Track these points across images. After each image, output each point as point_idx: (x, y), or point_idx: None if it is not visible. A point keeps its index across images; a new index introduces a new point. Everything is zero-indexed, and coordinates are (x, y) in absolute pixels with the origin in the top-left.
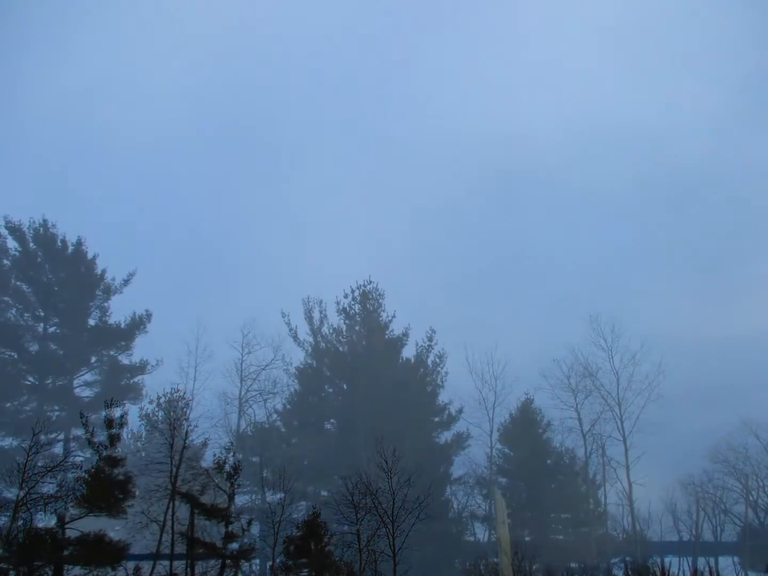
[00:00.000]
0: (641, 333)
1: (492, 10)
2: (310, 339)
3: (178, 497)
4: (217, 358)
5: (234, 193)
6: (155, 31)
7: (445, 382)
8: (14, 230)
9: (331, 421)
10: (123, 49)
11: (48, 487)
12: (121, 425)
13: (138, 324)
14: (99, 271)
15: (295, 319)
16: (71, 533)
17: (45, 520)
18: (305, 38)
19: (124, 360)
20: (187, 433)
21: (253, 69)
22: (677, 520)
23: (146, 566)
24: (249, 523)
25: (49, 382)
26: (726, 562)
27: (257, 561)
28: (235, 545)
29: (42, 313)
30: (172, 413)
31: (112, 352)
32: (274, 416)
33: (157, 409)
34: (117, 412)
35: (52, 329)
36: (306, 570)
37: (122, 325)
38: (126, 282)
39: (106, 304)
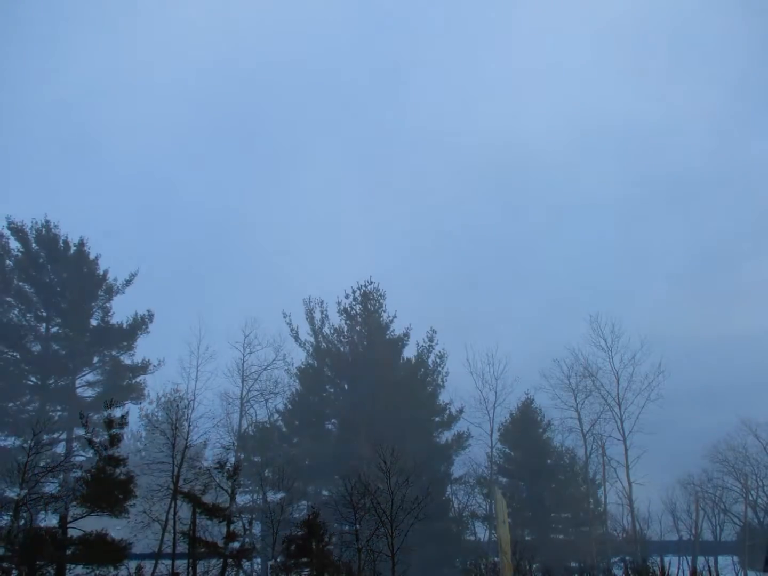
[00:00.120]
0: (641, 333)
1: (492, 11)
2: (311, 339)
3: (180, 497)
4: (218, 358)
5: (235, 193)
6: (155, 31)
7: (445, 382)
8: (17, 231)
9: (332, 421)
10: (123, 49)
11: (50, 487)
12: (122, 425)
13: (140, 324)
14: (101, 272)
15: (297, 319)
16: (73, 533)
17: (46, 520)
18: (305, 38)
19: (126, 360)
20: (188, 432)
21: (253, 69)
22: (677, 519)
23: (148, 565)
24: (250, 522)
25: (51, 382)
26: (725, 562)
27: (258, 560)
28: (236, 544)
29: (44, 314)
30: (173, 413)
31: (114, 352)
32: (276, 416)
33: (157, 409)
34: (118, 413)
35: (54, 329)
36: (306, 569)
37: (124, 326)
38: (128, 282)
39: (108, 305)
